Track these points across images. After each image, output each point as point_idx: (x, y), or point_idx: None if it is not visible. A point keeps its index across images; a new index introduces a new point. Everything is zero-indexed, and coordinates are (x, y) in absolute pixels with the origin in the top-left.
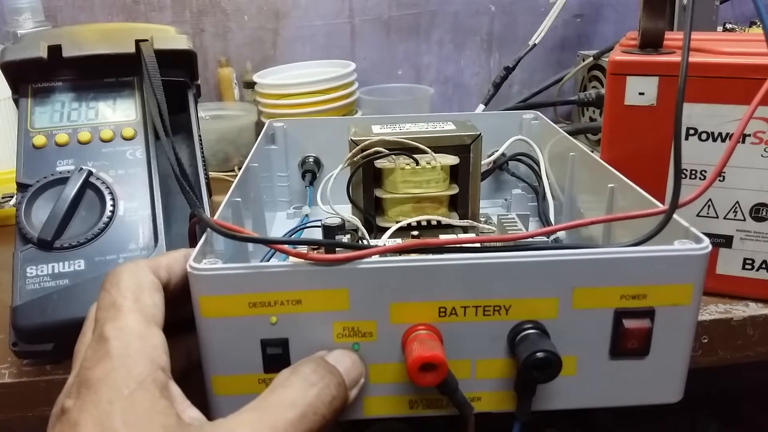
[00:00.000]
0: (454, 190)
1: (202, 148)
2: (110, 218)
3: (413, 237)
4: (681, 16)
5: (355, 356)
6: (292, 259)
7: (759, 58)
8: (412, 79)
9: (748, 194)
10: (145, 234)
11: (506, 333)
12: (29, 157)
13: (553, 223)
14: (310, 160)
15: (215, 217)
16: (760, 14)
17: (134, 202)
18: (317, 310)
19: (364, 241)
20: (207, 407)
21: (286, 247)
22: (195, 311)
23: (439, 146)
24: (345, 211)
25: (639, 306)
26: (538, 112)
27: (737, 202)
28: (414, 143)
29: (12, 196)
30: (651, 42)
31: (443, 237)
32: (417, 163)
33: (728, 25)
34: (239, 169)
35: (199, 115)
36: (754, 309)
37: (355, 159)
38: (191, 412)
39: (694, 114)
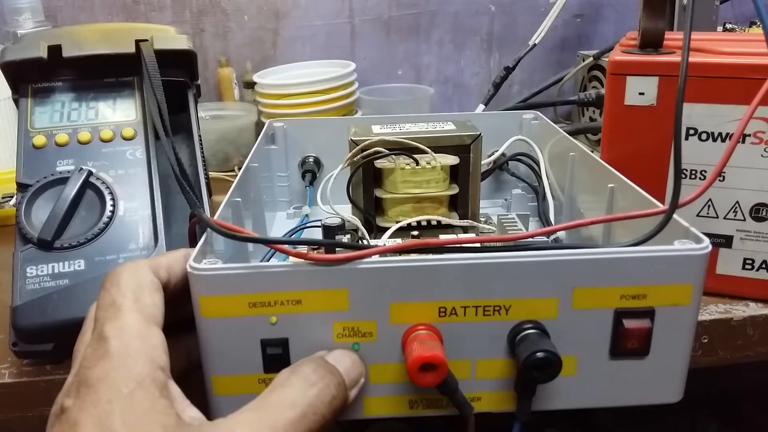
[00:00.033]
0: (454, 190)
1: (202, 148)
2: (110, 218)
3: (413, 237)
4: (681, 16)
5: (355, 356)
6: (292, 259)
7: (759, 58)
8: (412, 79)
9: (748, 194)
10: (145, 234)
11: (506, 333)
12: (29, 157)
13: (553, 223)
14: (310, 160)
15: (215, 217)
16: (760, 14)
17: (134, 202)
18: (317, 310)
19: (364, 241)
20: (207, 407)
21: (286, 247)
22: (195, 311)
23: (439, 146)
24: (345, 211)
25: (639, 306)
26: (538, 112)
27: (737, 202)
28: (414, 143)
29: (12, 196)
30: (651, 42)
31: (443, 237)
32: (417, 163)
33: (728, 25)
34: (239, 169)
35: (199, 115)
36: (754, 309)
37: (355, 159)
38: (191, 412)
39: (694, 114)
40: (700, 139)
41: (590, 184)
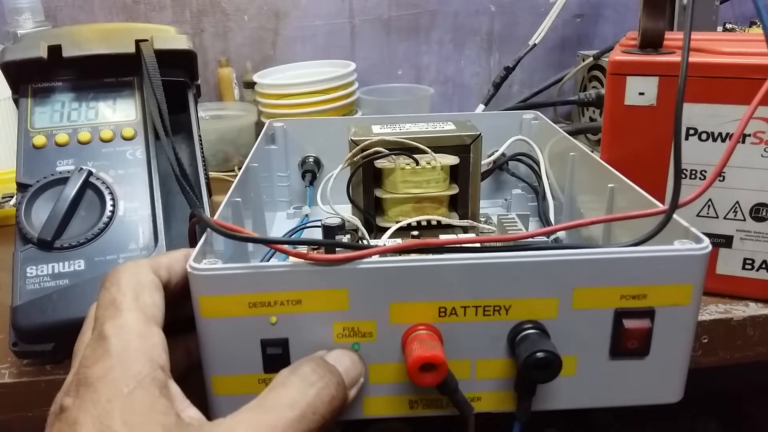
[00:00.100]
0: (454, 190)
1: (202, 148)
2: (110, 218)
3: (413, 237)
4: (681, 16)
5: (355, 356)
6: (292, 259)
7: (759, 58)
8: (412, 79)
9: (748, 194)
10: (145, 234)
11: (506, 333)
12: (29, 157)
13: (553, 223)
14: (310, 160)
15: (215, 217)
16: (760, 14)
17: (134, 202)
18: (317, 310)
19: (364, 241)
20: (207, 407)
21: (286, 247)
22: (195, 311)
23: (439, 146)
24: (345, 211)
25: (639, 306)
26: (538, 112)
27: (737, 202)
28: (414, 143)
29: (12, 196)
30: (651, 42)
31: (443, 237)
32: (417, 163)
33: (728, 25)
34: (239, 169)
35: (199, 115)
36: (754, 309)
37: (355, 159)
38: (190, 412)
39: (694, 114)
40: (700, 139)
41: (590, 184)
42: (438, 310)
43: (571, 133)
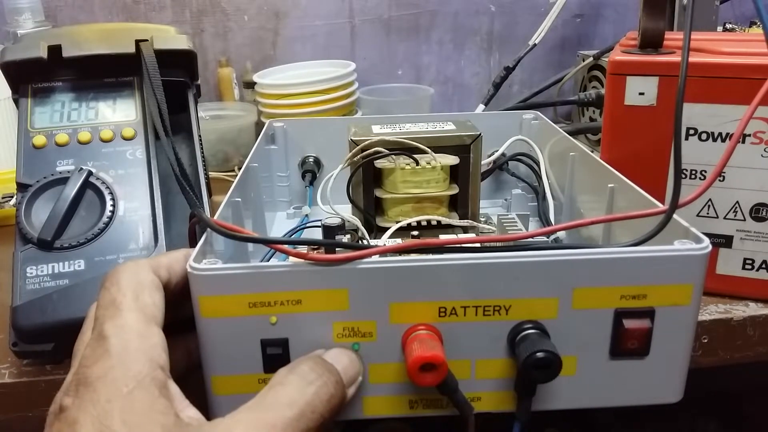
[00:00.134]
0: (454, 190)
1: (202, 148)
2: (110, 218)
3: (413, 237)
4: (681, 16)
5: (353, 354)
6: (292, 259)
7: (759, 58)
8: (412, 79)
9: (748, 194)
10: (145, 234)
11: (506, 333)
12: (29, 157)
13: (553, 223)
14: (310, 160)
15: (215, 217)
16: (760, 14)
17: (134, 202)
18: (317, 310)
19: (364, 241)
20: (207, 407)
21: (286, 247)
22: (195, 311)
23: (439, 146)
24: (345, 211)
25: (639, 306)
26: (538, 112)
27: (737, 202)
28: (414, 143)
29: (12, 196)
30: (651, 42)
31: (443, 237)
32: (417, 163)
33: (728, 25)
34: (239, 169)
35: (199, 115)
36: (754, 309)
37: (355, 159)
38: (190, 412)
39: (694, 114)
40: (700, 139)
41: (590, 184)
42: (438, 310)
43: (571, 133)
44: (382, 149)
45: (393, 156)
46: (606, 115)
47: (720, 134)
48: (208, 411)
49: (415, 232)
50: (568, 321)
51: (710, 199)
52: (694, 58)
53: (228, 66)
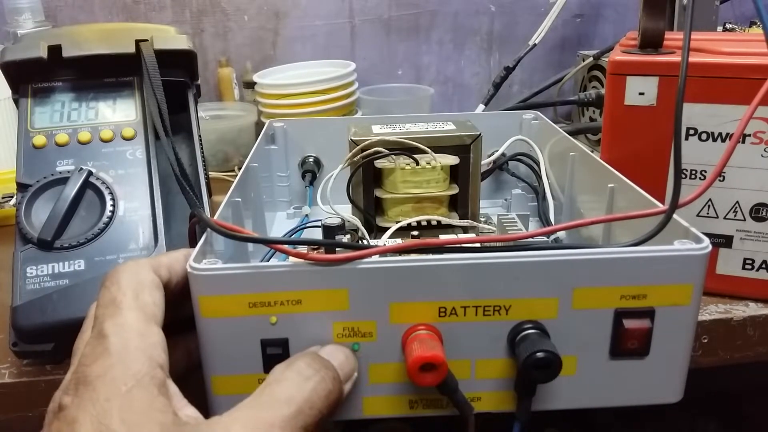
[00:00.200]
0: (454, 190)
1: (202, 148)
2: (110, 218)
3: (413, 237)
4: (681, 16)
5: (348, 351)
6: (292, 259)
7: (759, 58)
8: (412, 79)
9: (748, 194)
10: (145, 234)
11: (506, 333)
12: (29, 157)
13: (553, 223)
14: (310, 160)
15: (215, 217)
16: (760, 14)
17: (134, 202)
18: (317, 310)
19: (364, 241)
20: (207, 407)
21: (286, 247)
22: (195, 311)
23: (439, 146)
24: (345, 211)
25: (639, 306)
26: (538, 112)
27: (737, 202)
28: (414, 143)
29: (12, 196)
30: (651, 42)
31: (443, 237)
32: (417, 163)
33: (728, 25)
34: (239, 169)
35: (199, 115)
36: (754, 309)
37: (355, 159)
38: (188, 411)
39: (694, 114)
40: (700, 139)
41: (590, 184)
42: (438, 310)
43: (571, 133)
44: (382, 149)
45: (393, 156)
46: (606, 115)
47: (720, 134)
48: (208, 411)
49: (415, 232)
50: (568, 321)
51: (710, 199)
52: (694, 58)
53: (228, 66)
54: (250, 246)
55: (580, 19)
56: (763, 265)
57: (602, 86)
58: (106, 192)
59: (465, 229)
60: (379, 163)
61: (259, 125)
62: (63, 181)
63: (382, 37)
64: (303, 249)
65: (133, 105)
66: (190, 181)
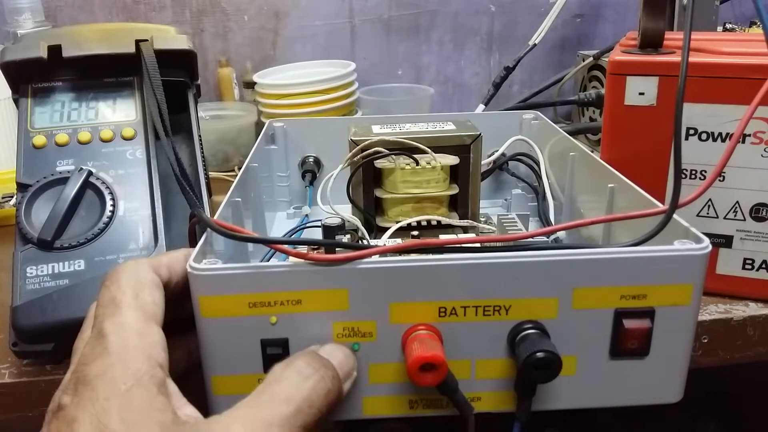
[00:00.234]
0: (454, 190)
1: (202, 148)
2: (110, 218)
3: (413, 237)
4: (681, 16)
5: (347, 350)
6: (292, 259)
7: (759, 58)
8: (412, 79)
9: (748, 194)
10: (145, 234)
11: (506, 333)
12: (29, 157)
13: (553, 223)
14: (310, 160)
15: (215, 217)
16: (760, 14)
17: (134, 202)
18: (317, 310)
19: (364, 241)
20: (207, 407)
21: (286, 247)
22: (195, 311)
23: (439, 146)
24: (345, 211)
25: (639, 306)
26: (538, 112)
27: (737, 202)
28: (414, 143)
29: (12, 196)
30: (651, 42)
31: (443, 237)
32: (417, 163)
33: (728, 25)
34: (239, 169)
35: (199, 115)
36: (754, 309)
37: (355, 159)
38: (187, 410)
39: (694, 114)
40: (700, 139)
41: (590, 184)
42: (438, 310)
43: (571, 133)
44: (382, 149)
45: (393, 156)
46: (606, 115)
47: (720, 134)
48: (208, 411)
49: (415, 232)
50: (568, 321)
51: (710, 199)
52: (694, 58)
53: (228, 66)
54: (250, 246)
55: (580, 19)
56: (763, 265)
57: (602, 86)
58: (106, 192)
59: (465, 229)
60: (379, 163)
61: (259, 125)
62: (63, 181)
63: (382, 37)
64: (303, 249)
65: (133, 105)
66: (190, 181)
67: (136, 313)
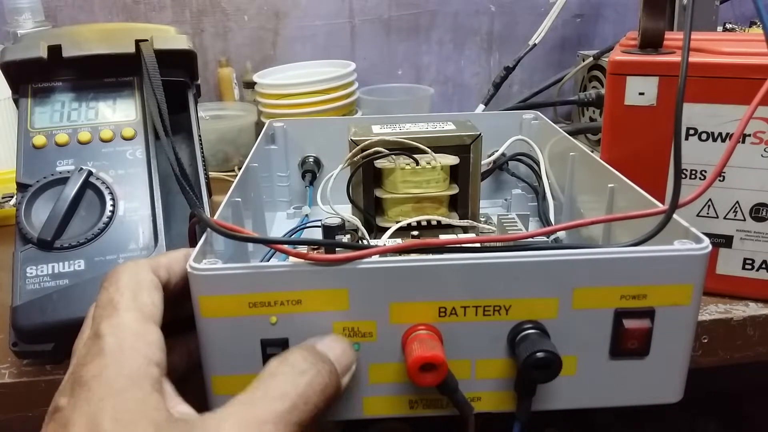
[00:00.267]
0: (454, 190)
1: (202, 148)
2: (110, 218)
3: (413, 237)
4: (681, 16)
5: (346, 343)
6: (292, 259)
7: (759, 58)
8: (412, 79)
9: (748, 194)
10: (145, 234)
11: (506, 333)
12: (29, 157)
13: (553, 223)
14: (310, 160)
15: (215, 217)
16: (760, 14)
17: (134, 202)
18: (317, 310)
19: (364, 241)
20: (207, 407)
21: (286, 247)
22: (195, 311)
23: (439, 146)
24: (345, 211)
25: (639, 306)
26: (538, 112)
27: (737, 202)
28: (414, 143)
29: (12, 196)
30: (651, 42)
31: (443, 237)
32: (417, 163)
33: (728, 25)
34: (239, 169)
35: (199, 115)
36: (754, 309)
37: (355, 159)
38: (182, 408)
39: (694, 114)
40: (700, 139)
41: (590, 184)
42: (438, 310)
43: (571, 133)
44: (382, 149)
45: (393, 156)
46: (606, 115)
47: (720, 134)
48: (208, 411)
49: (415, 232)
50: (568, 321)
51: (710, 199)
52: (694, 58)
53: (228, 66)
54: (250, 246)
55: (580, 19)
56: (763, 265)
57: (602, 86)
58: (106, 192)
59: (465, 229)
60: (379, 163)
61: (259, 125)
62: (63, 181)
63: (382, 37)
64: (303, 249)
65: (133, 105)
66: (190, 181)
67: (134, 314)
